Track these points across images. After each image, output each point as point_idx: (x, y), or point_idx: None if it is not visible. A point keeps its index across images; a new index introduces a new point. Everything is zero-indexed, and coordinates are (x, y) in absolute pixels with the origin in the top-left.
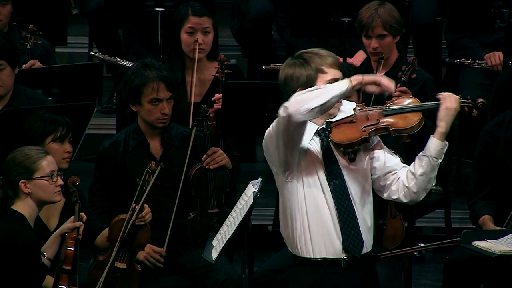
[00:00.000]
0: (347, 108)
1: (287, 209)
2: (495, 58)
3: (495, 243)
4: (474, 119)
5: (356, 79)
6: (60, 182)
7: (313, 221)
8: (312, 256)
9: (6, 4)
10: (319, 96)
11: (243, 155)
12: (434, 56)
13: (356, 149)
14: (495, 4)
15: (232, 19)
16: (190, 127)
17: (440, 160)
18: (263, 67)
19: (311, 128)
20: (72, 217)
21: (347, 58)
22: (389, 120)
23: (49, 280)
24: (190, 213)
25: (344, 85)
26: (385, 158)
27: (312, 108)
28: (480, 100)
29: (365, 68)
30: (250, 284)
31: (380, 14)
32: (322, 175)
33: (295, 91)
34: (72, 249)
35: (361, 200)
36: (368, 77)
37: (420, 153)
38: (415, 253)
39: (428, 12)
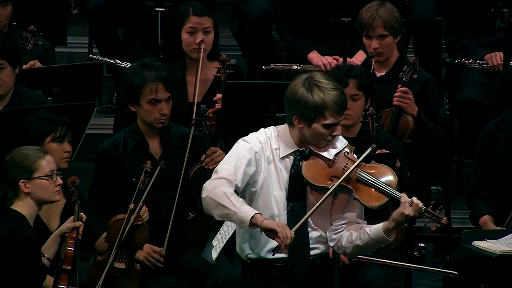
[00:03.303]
0: (337, 145)
1: None
2: (496, 58)
3: (495, 243)
4: (474, 119)
5: (257, 221)
6: (60, 181)
7: (262, 233)
8: (258, 260)
9: (6, 5)
10: (224, 215)
11: None
12: (434, 56)
13: (313, 189)
14: (495, 4)
15: (232, 19)
16: None
17: (384, 245)
18: (263, 67)
19: (290, 147)
20: (72, 217)
21: (347, 58)
22: (357, 185)
23: (49, 280)
24: (190, 213)
25: (245, 222)
26: (344, 205)
27: (213, 214)
28: (444, 219)
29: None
30: None
31: (381, 14)
32: (279, 194)
33: (292, 115)
34: (72, 249)
35: (320, 223)
36: (266, 224)
37: (367, 228)
38: (415, 253)
39: (428, 12)
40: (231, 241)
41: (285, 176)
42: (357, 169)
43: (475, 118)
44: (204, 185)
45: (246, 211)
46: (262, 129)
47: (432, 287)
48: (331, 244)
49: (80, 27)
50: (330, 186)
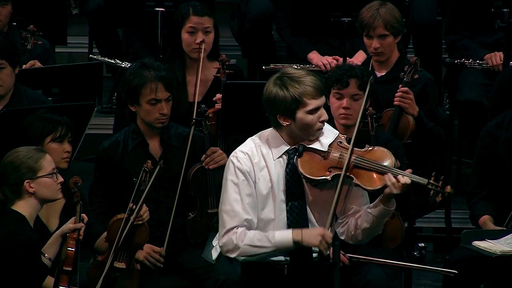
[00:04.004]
0: (329, 136)
1: None
2: (496, 58)
3: (495, 243)
4: (474, 119)
5: (298, 241)
6: (61, 179)
7: (265, 230)
8: (257, 261)
9: (6, 5)
10: (262, 253)
11: None
12: (434, 56)
13: (314, 184)
14: (495, 4)
15: (232, 19)
16: None
17: (389, 217)
18: (263, 67)
19: (282, 147)
20: (73, 218)
21: (347, 58)
22: (356, 171)
23: (49, 280)
24: (190, 213)
25: (288, 244)
26: (347, 196)
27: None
28: (448, 189)
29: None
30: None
31: (382, 14)
32: (275, 197)
33: (275, 115)
34: (73, 249)
35: (321, 218)
36: (307, 243)
37: (368, 208)
38: (415, 253)
39: (428, 12)
40: None
41: (281, 177)
42: (354, 156)
43: (475, 118)
44: (222, 245)
45: (282, 242)
46: (248, 139)
47: (432, 287)
48: (342, 237)
49: (80, 27)
50: (331, 178)
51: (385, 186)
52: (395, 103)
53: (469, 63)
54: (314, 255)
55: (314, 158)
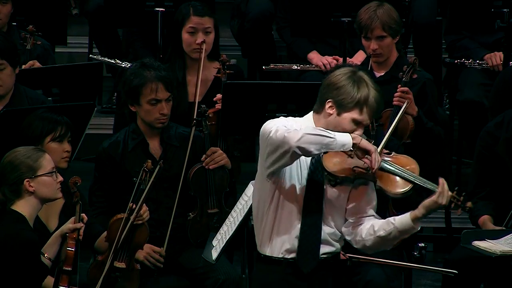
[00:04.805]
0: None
1: (261, 204)
2: (496, 58)
3: (495, 243)
4: (474, 119)
5: (357, 139)
6: (60, 178)
7: (280, 222)
8: (273, 255)
9: (6, 3)
10: (323, 145)
11: (243, 155)
12: (434, 56)
13: (337, 182)
14: (495, 4)
15: (232, 19)
16: None
17: (407, 236)
18: (263, 67)
19: None
20: (73, 218)
21: (347, 58)
22: (380, 174)
23: (49, 280)
24: (190, 213)
25: (347, 143)
26: (363, 198)
27: (313, 153)
28: (469, 204)
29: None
30: (251, 281)
31: (379, 16)
32: (301, 186)
33: (327, 99)
34: (73, 249)
35: (334, 218)
36: (363, 144)
37: (391, 218)
38: (415, 253)
39: (428, 12)
40: (231, 241)
41: (305, 167)
42: (382, 156)
43: (475, 118)
44: (276, 133)
45: (341, 134)
46: (286, 118)
47: (432, 287)
48: (348, 238)
49: (80, 27)
50: (355, 176)
51: (407, 193)
52: (394, 103)
53: (469, 63)
54: (325, 250)
55: (340, 155)
